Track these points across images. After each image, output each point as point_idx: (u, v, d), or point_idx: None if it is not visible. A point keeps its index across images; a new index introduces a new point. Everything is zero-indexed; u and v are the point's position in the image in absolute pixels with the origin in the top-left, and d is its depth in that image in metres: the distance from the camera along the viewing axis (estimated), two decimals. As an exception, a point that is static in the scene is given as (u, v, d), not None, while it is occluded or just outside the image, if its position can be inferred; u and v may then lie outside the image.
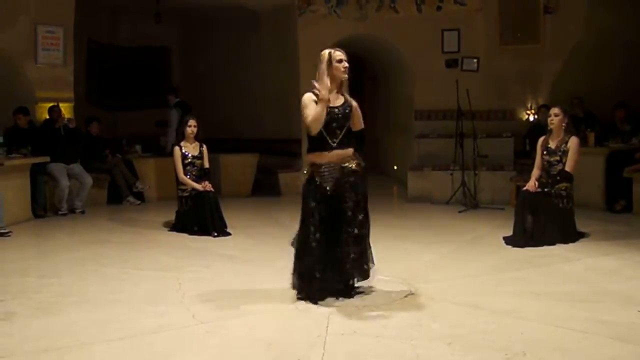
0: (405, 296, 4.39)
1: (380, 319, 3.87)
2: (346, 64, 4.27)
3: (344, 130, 4.27)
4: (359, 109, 4.40)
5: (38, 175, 8.11)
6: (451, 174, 9.08)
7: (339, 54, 4.27)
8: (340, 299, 4.24)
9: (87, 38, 10.96)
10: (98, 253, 5.99)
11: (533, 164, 6.58)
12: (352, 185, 4.25)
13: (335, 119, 4.24)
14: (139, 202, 9.30)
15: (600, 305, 4.12)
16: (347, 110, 4.29)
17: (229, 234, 6.83)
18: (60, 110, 8.63)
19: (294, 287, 4.35)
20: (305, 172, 4.42)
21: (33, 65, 8.94)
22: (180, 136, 7.23)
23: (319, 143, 4.28)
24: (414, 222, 7.80)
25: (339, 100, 4.31)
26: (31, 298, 4.41)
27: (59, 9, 9.06)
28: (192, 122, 7.20)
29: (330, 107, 4.24)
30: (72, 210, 8.43)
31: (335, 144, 4.25)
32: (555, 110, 6.41)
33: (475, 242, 6.37)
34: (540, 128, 7.83)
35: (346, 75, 4.28)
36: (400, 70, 10.93)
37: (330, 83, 4.25)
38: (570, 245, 6.00)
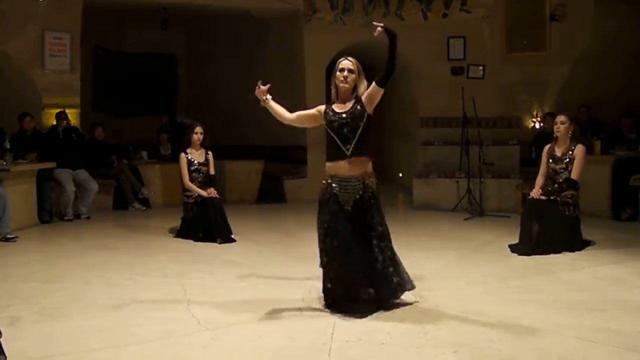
0: (411, 304, 4.38)
1: (385, 327, 3.86)
2: (346, 74, 4.21)
3: (358, 134, 4.18)
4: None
5: (44, 180, 8.13)
6: (457, 182, 9.08)
7: (343, 63, 4.25)
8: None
9: (93, 44, 11.01)
10: (103, 259, 6.01)
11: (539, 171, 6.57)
12: (372, 204, 4.21)
13: (344, 124, 4.19)
14: (144, 208, 9.32)
15: (607, 314, 4.10)
16: (357, 110, 4.20)
17: (234, 240, 6.83)
18: (66, 116, 8.68)
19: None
20: (323, 182, 4.31)
21: (40, 72, 8.99)
22: (187, 143, 7.26)
23: (333, 150, 4.25)
24: (420, 230, 7.77)
25: (346, 106, 4.24)
26: (37, 303, 4.41)
27: (66, 16, 9.11)
28: (198, 129, 7.23)
29: (337, 113, 4.24)
30: (77, 216, 8.46)
31: (350, 151, 4.19)
32: (561, 118, 6.40)
33: (481, 250, 6.36)
34: (546, 136, 7.81)
35: (345, 85, 4.23)
36: (406, 78, 10.90)
37: (336, 91, 4.30)
38: (577, 253, 5.98)
